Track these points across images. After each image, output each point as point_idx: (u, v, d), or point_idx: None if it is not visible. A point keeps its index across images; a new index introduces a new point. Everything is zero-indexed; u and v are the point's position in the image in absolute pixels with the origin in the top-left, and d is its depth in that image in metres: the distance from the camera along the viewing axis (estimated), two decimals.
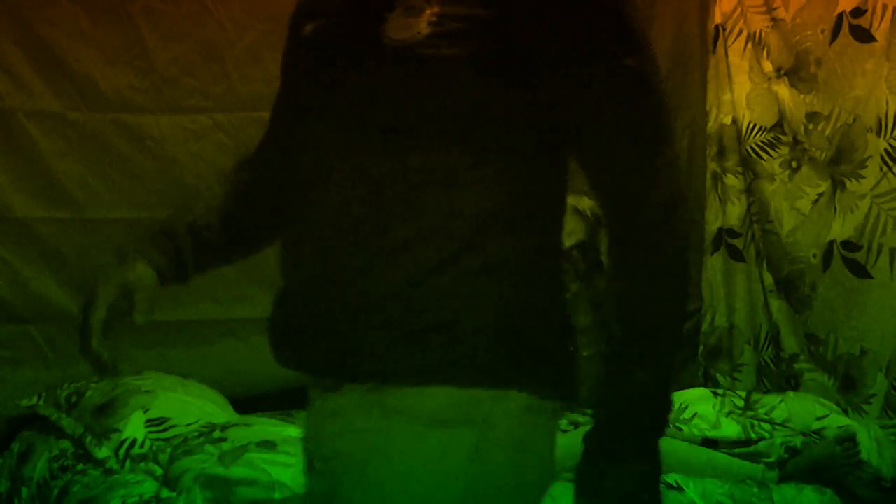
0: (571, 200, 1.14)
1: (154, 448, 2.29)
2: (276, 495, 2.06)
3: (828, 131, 2.83)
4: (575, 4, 1.00)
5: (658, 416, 1.04)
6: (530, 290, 1.05)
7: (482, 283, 1.02)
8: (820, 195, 2.88)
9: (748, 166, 3.07)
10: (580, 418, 2.16)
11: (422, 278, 1.01)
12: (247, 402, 2.66)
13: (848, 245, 2.79)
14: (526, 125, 1.04)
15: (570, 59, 1.00)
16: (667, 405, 1.05)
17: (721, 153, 3.16)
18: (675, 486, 2.16)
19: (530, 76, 1.01)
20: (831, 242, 2.83)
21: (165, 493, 2.11)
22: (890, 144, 2.67)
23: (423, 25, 1.00)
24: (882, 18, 2.69)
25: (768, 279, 3.04)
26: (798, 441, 2.35)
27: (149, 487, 2.15)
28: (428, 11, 1.01)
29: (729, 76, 3.10)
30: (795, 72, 2.91)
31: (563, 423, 2.04)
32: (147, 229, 1.21)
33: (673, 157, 1.05)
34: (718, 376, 3.18)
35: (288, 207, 1.13)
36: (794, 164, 2.95)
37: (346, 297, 1.04)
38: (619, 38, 1.00)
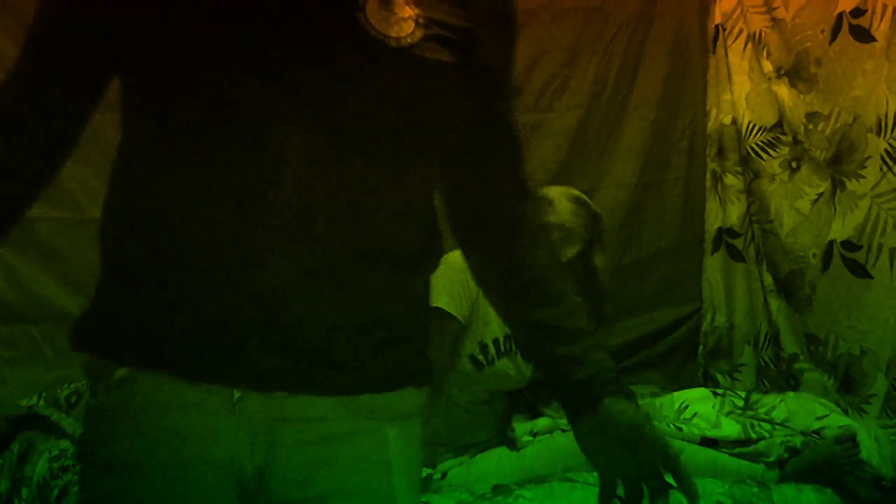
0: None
1: None
2: None
3: (828, 131, 2.83)
4: (507, 30, 1.09)
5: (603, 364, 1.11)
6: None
7: (422, 290, 1.08)
8: (820, 195, 2.88)
9: (748, 166, 3.08)
10: (559, 421, 2.16)
11: (389, 288, 1.00)
12: None
13: (848, 245, 2.79)
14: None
15: (499, 72, 1.10)
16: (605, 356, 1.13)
17: (721, 153, 3.17)
18: (675, 485, 2.15)
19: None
20: (831, 242, 2.83)
21: None
22: (890, 144, 2.67)
23: (411, 24, 0.95)
24: (882, 18, 2.69)
25: (768, 279, 3.04)
26: (798, 441, 2.35)
27: None
28: (409, 10, 0.95)
29: (729, 76, 3.10)
30: (795, 72, 2.92)
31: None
32: None
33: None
34: (718, 376, 3.19)
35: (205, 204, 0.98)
36: (794, 164, 2.95)
37: (313, 305, 0.95)
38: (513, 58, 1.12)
